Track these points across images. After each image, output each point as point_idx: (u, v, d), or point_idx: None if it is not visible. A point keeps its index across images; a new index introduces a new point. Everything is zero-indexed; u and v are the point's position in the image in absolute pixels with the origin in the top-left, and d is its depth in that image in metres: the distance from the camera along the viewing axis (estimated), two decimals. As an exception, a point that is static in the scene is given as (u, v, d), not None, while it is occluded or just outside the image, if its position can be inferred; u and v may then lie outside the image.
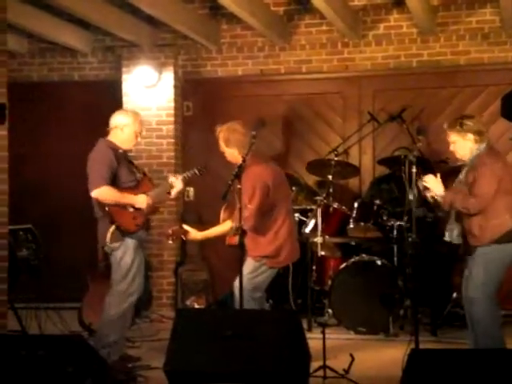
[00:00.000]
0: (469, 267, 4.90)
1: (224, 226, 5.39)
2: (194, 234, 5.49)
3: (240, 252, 4.88)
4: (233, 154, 5.32)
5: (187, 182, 5.51)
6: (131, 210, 5.20)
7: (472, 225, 4.81)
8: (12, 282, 5.74)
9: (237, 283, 5.01)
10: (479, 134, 4.87)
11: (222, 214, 5.48)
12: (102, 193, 5.12)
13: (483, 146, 4.88)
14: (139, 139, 5.43)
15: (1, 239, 5.54)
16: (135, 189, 5.27)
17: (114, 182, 5.18)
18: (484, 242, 4.77)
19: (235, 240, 5.08)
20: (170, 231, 5.42)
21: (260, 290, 5.30)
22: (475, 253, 4.83)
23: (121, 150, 5.28)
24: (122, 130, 5.27)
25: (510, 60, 7.21)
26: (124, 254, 5.18)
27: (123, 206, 5.18)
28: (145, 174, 5.44)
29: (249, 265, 5.27)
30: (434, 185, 4.91)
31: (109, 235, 5.13)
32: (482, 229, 4.77)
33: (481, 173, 4.76)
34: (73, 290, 6.67)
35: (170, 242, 5.48)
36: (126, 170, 5.26)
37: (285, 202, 5.35)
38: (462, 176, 4.91)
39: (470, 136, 4.85)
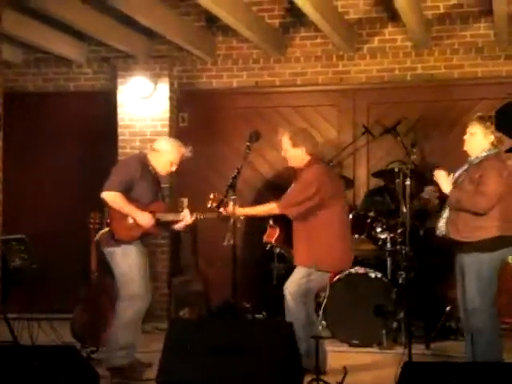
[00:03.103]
0: (459, 275, 4.94)
1: (267, 207, 5.37)
2: (235, 209, 5.33)
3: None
4: (298, 155, 5.31)
5: (197, 220, 5.53)
6: (131, 221, 5.34)
7: (460, 219, 4.82)
8: (4, 292, 5.72)
9: (289, 287, 5.15)
10: (499, 140, 4.92)
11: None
12: (110, 196, 5.32)
13: (495, 151, 4.92)
14: (173, 168, 5.55)
15: (-6, 249, 5.53)
16: (145, 206, 5.40)
17: (129, 190, 5.35)
18: (463, 237, 4.80)
19: (274, 238, 5.08)
20: (211, 195, 5.30)
21: (311, 293, 5.36)
22: (464, 262, 4.85)
23: (150, 168, 5.48)
24: (161, 155, 5.49)
25: (504, 74, 7.24)
26: (124, 258, 5.31)
27: (125, 216, 5.33)
28: (163, 200, 5.60)
29: (300, 269, 5.31)
30: (443, 180, 4.90)
31: (98, 235, 5.40)
32: (467, 226, 4.80)
33: (490, 175, 4.79)
34: (66, 300, 6.64)
35: (209, 205, 5.29)
36: (146, 186, 5.42)
37: (338, 206, 5.35)
38: (463, 175, 4.91)
39: (491, 137, 4.89)
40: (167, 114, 7.70)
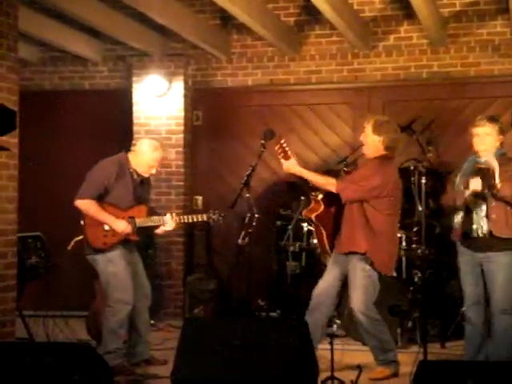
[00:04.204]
0: (475, 273, 4.94)
1: (326, 179, 5.22)
2: (293, 163, 5.15)
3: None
4: (375, 143, 5.19)
5: (184, 224, 5.47)
6: (107, 228, 5.28)
7: (509, 215, 4.83)
8: (20, 289, 5.75)
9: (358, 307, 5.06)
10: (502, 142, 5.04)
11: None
12: (84, 205, 5.28)
13: (504, 151, 5.04)
14: (153, 171, 5.46)
15: (10, 246, 5.55)
16: (123, 210, 5.33)
17: (105, 195, 5.30)
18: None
19: (315, 214, 4.98)
20: (282, 141, 5.11)
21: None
22: (496, 261, 4.83)
23: (131, 170, 5.36)
24: (138, 155, 5.40)
25: (521, 72, 7.20)
26: (107, 266, 5.28)
27: (100, 223, 5.28)
28: (146, 205, 5.44)
29: (358, 271, 5.12)
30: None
31: (72, 242, 5.49)
32: None
33: None
34: (81, 298, 6.66)
35: (277, 147, 5.07)
36: (123, 190, 5.32)
37: (394, 209, 5.24)
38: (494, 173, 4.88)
39: (501, 137, 4.99)
40: (182, 113, 7.71)
